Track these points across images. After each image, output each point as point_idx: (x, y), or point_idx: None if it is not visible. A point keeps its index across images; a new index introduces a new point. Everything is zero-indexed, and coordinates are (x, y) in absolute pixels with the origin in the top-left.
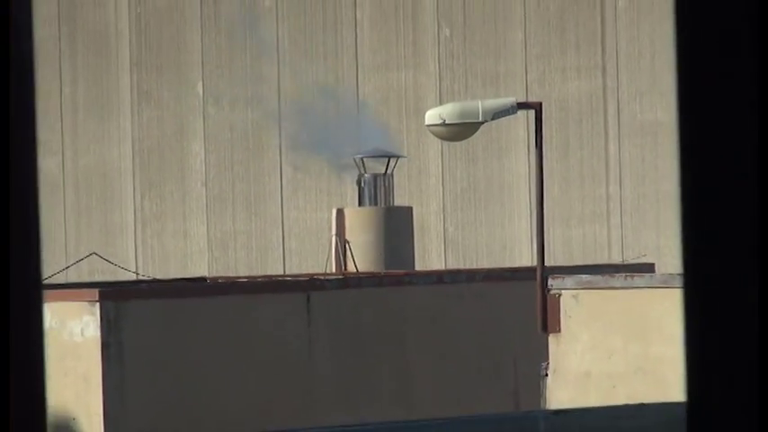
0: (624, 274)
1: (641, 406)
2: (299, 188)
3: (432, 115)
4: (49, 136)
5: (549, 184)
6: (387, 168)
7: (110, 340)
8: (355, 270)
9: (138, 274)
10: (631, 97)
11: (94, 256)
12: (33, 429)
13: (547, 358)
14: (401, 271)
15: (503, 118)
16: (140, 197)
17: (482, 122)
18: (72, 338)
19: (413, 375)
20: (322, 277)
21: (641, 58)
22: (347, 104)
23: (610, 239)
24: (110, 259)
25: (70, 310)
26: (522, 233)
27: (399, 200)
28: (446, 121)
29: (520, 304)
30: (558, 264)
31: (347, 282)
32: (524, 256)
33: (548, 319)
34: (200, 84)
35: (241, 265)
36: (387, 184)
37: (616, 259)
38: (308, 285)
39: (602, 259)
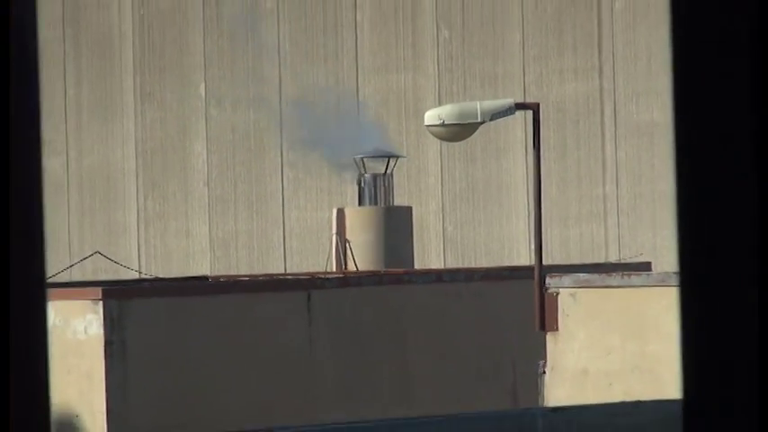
0: (621, 273)
1: (638, 403)
2: (300, 188)
3: (431, 116)
4: (54, 136)
5: (547, 183)
6: (386, 168)
7: (113, 338)
8: (355, 269)
9: (140, 272)
10: (628, 98)
11: (98, 255)
12: (37, 426)
13: (544, 356)
14: (401, 270)
15: (501, 119)
16: (143, 197)
17: (480, 123)
18: (75, 336)
19: (412, 373)
20: (322, 276)
21: (637, 60)
22: (347, 105)
23: (607, 239)
24: (113, 258)
25: (74, 308)
26: (521, 232)
27: (399, 199)
28: (445, 122)
29: (518, 303)
30: (556, 263)
31: (347, 280)
32: (522, 255)
33: (545, 318)
34: (202, 85)
35: (243, 264)
36: (386, 184)
37: (613, 258)
38: (309, 284)
39: (599, 258)
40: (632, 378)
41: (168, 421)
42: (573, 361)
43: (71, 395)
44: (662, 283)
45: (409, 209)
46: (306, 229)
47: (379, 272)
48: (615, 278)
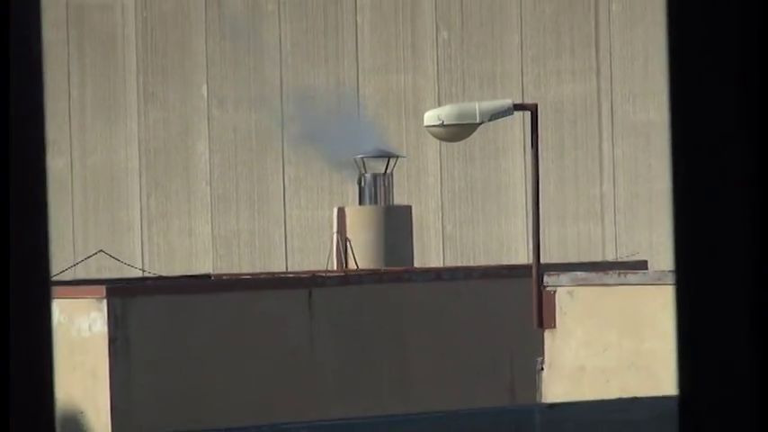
0: (618, 272)
1: (634, 400)
2: (301, 187)
3: (430, 116)
4: (58, 136)
5: (545, 183)
6: (386, 168)
7: (117, 336)
8: (356, 267)
9: (144, 271)
10: (625, 99)
11: (102, 253)
12: (42, 423)
13: (542, 353)
14: (400, 268)
15: (499, 119)
16: (146, 196)
17: (479, 123)
18: (80, 334)
19: (412, 370)
20: (323, 274)
21: (634, 61)
22: (348, 106)
23: (604, 237)
24: (117, 257)
25: (78, 306)
26: (519, 231)
27: (399, 199)
28: (444, 122)
29: (516, 300)
30: (554, 261)
31: (348, 278)
32: (520, 254)
33: (543, 315)
34: (204, 86)
35: (244, 263)
36: (386, 184)
37: (610, 257)
38: (310, 282)
39: (596, 257)
40: (629, 375)
41: (171, 417)
42: (570, 358)
43: (76, 392)
44: (658, 281)
45: (409, 208)
46: (307, 227)
47: (380, 270)
48: (612, 276)
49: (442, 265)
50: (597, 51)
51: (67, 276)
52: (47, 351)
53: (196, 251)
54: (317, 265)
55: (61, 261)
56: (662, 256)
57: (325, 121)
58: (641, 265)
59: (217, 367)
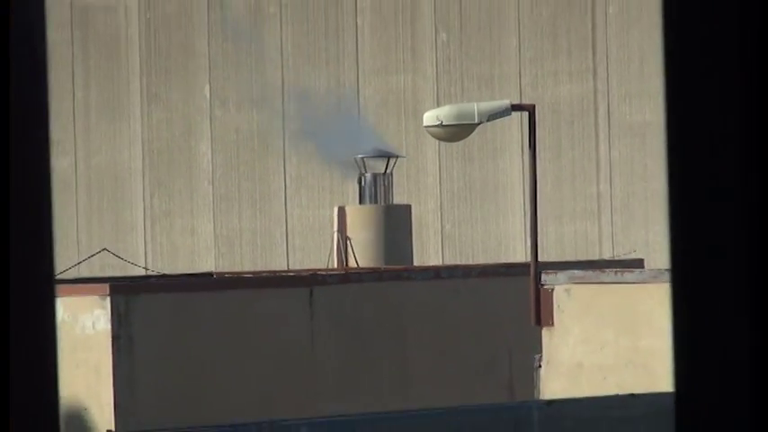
0: (614, 270)
1: (631, 396)
2: (302, 187)
3: (429, 117)
4: (62, 137)
5: (543, 182)
6: (386, 168)
7: (120, 333)
8: (356, 265)
9: (147, 269)
10: (621, 99)
11: (105, 252)
12: (46, 420)
13: (540, 350)
14: (400, 266)
15: (497, 119)
16: (150, 196)
17: (478, 124)
18: (84, 331)
19: (412, 367)
20: (324, 272)
21: (630, 62)
22: (348, 106)
23: (601, 236)
24: (120, 255)
25: (82, 304)
26: (517, 230)
27: (398, 198)
28: (443, 123)
29: (514, 298)
30: (551, 259)
31: (348, 277)
32: (518, 252)
33: (541, 313)
34: (207, 87)
35: (246, 261)
36: (386, 183)
37: (607, 255)
38: (311, 280)
39: (593, 255)
40: (626, 372)
41: (174, 413)
42: (568, 355)
43: (80, 389)
44: (654, 279)
45: (408, 207)
46: (308, 226)
47: (379, 268)
48: (609, 274)
49: (441, 264)
50: (594, 53)
51: (72, 275)
52: (51, 348)
53: (198, 250)
54: (317, 264)
55: (65, 259)
56: (658, 254)
57: (326, 122)
58: (637, 264)
59: (218, 364)
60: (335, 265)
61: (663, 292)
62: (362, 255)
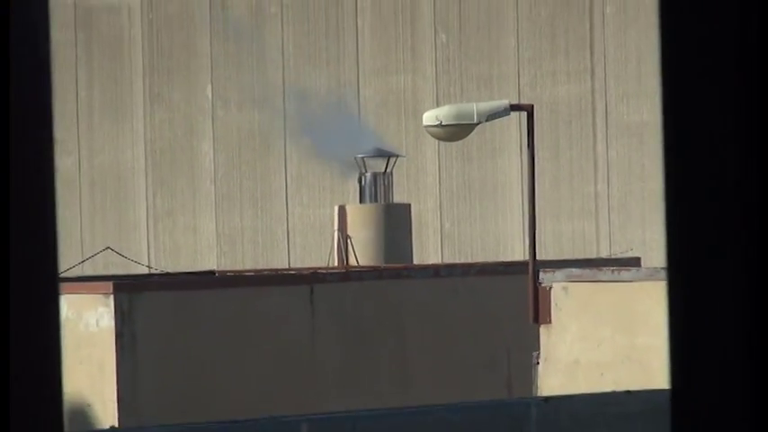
0: (612, 268)
1: (628, 393)
2: (303, 186)
3: (429, 117)
4: (66, 136)
5: (541, 182)
6: (386, 167)
7: (123, 330)
8: (356, 264)
9: (150, 267)
10: (618, 99)
11: (109, 250)
12: (50, 416)
13: (538, 348)
14: (400, 265)
15: (496, 119)
16: (152, 195)
17: (477, 124)
18: (87, 329)
19: (411, 364)
20: (325, 271)
21: (628, 63)
22: (349, 106)
23: (598, 235)
24: (123, 254)
25: (86, 301)
26: (515, 229)
27: (398, 197)
28: (443, 123)
29: (512, 296)
30: (549, 258)
31: (349, 275)
32: (517, 251)
33: (539, 311)
34: (209, 87)
35: (248, 259)
36: (386, 183)
37: (604, 254)
38: (312, 278)
39: (590, 254)
40: (622, 369)
41: (176, 410)
42: (565, 352)
43: (83, 385)
44: (651, 277)
45: (408, 206)
46: (309, 225)
47: (379, 267)
48: (606, 273)
49: (440, 262)
50: (592, 53)
51: (75, 273)
52: (55, 346)
53: (201, 248)
54: (318, 262)
55: (69, 258)
56: (655, 252)
57: (326, 120)
58: (634, 262)
59: (220, 361)
60: (336, 264)
61: (659, 291)
62: (363, 253)
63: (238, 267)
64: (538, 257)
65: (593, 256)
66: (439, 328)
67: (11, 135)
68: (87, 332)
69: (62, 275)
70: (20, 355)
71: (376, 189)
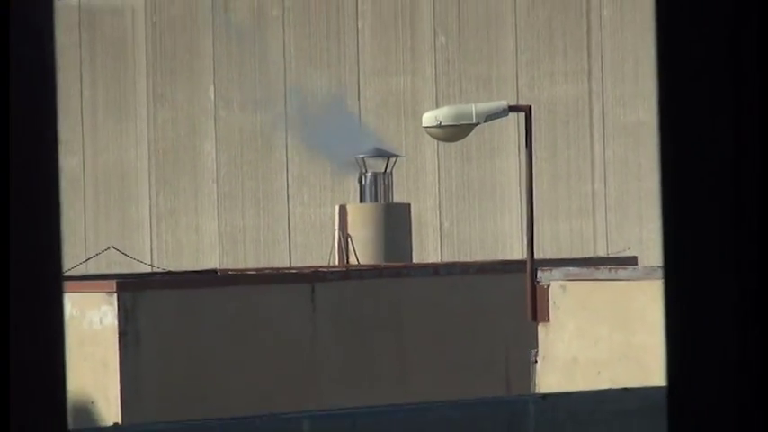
0: (609, 267)
1: (625, 390)
2: (304, 186)
3: (428, 117)
4: (70, 136)
5: (539, 181)
6: (386, 167)
7: (127, 328)
8: (357, 262)
9: (153, 266)
10: (615, 100)
11: (112, 249)
12: (54, 412)
13: (536, 346)
14: (400, 263)
15: (495, 120)
16: (155, 194)
17: (475, 124)
18: (91, 327)
19: (410, 361)
20: (325, 269)
21: (625, 64)
22: (349, 107)
23: (595, 234)
24: (127, 252)
25: (90, 300)
26: (513, 228)
27: (398, 197)
28: (442, 123)
29: (511, 295)
30: (547, 257)
31: (349, 273)
32: (515, 250)
33: (537, 309)
34: (211, 88)
35: (250, 258)
36: (386, 182)
37: (601, 252)
38: (313, 277)
39: (588, 252)
40: (619, 366)
41: (179, 406)
42: (563, 350)
43: (87, 382)
44: (647, 276)
45: (408, 206)
46: (309, 224)
47: (379, 265)
48: (603, 271)
49: (439, 261)
50: (589, 55)
51: (79, 271)
52: (59, 344)
53: (203, 247)
54: (319, 261)
55: (73, 257)
56: (651, 251)
57: (327, 121)
58: (631, 261)
59: (223, 358)
60: (337, 262)
61: (656, 289)
62: (363, 252)
63: (240, 266)
64: (536, 256)
65: (591, 254)
66: (438, 326)
67: (13, 134)
68: (91, 330)
69: (66, 274)
70: (24, 353)
71: (376, 189)
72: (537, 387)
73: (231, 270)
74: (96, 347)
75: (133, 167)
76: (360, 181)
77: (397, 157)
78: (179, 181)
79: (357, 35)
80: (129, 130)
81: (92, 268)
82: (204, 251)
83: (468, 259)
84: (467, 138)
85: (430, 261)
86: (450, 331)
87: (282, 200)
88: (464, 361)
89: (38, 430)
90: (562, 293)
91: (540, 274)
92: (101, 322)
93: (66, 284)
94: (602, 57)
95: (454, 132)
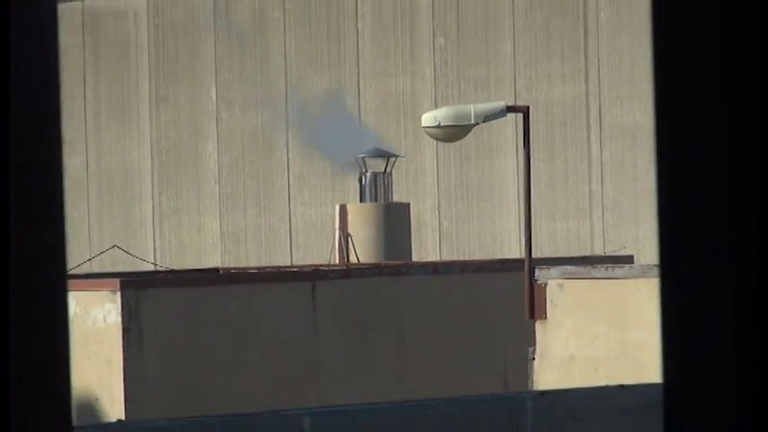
0: (605, 265)
1: (621, 387)
2: (305, 186)
3: (428, 118)
4: (74, 137)
5: (536, 181)
6: (386, 167)
7: (130, 326)
8: (357, 261)
9: (156, 265)
10: (612, 102)
11: (116, 248)
12: (59, 410)
13: (534, 343)
14: (399, 262)
15: (493, 121)
16: (158, 194)
17: (474, 125)
18: (95, 325)
19: (409, 359)
20: (326, 268)
21: (621, 66)
22: (349, 108)
23: (592, 233)
24: (130, 251)
25: (93, 298)
26: (511, 227)
27: (398, 196)
28: (441, 124)
29: (509, 293)
30: (545, 255)
31: (349, 272)
32: (513, 249)
33: (534, 307)
34: (213, 89)
35: (251, 257)
36: (386, 182)
37: (598, 251)
38: (314, 275)
39: (585, 251)
40: (616, 364)
41: (182, 404)
42: (560, 348)
43: (91, 380)
44: (644, 274)
45: (407, 205)
46: (310, 224)
47: (379, 264)
48: (600, 270)
49: (438, 260)
50: (586, 57)
51: (83, 270)
52: (63, 342)
53: (205, 246)
54: (320, 260)
55: (77, 256)
56: (647, 250)
57: (327, 122)
58: (628, 260)
59: (225, 356)
60: (337, 261)
61: (652, 287)
62: (363, 251)
63: (242, 265)
64: (533, 255)
65: (588, 253)
66: (437, 324)
67: (14, 134)
68: (95, 328)
69: (70, 273)
70: (29, 351)
71: (376, 188)
72: (535, 384)
73: (233, 269)
74: (100, 345)
75: (136, 168)
76: (360, 181)
77: (396, 157)
78: (181, 181)
79: (357, 37)
80: (132, 131)
81: (96, 267)
82: (206, 250)
83: (466, 258)
84: (465, 138)
85: (429, 260)
86: (449, 329)
87: (283, 200)
88: (463, 358)
89: (43, 427)
90: (559, 292)
91: (537, 272)
92: (104, 320)
93: (71, 283)
94: (598, 59)
95: (453, 133)
